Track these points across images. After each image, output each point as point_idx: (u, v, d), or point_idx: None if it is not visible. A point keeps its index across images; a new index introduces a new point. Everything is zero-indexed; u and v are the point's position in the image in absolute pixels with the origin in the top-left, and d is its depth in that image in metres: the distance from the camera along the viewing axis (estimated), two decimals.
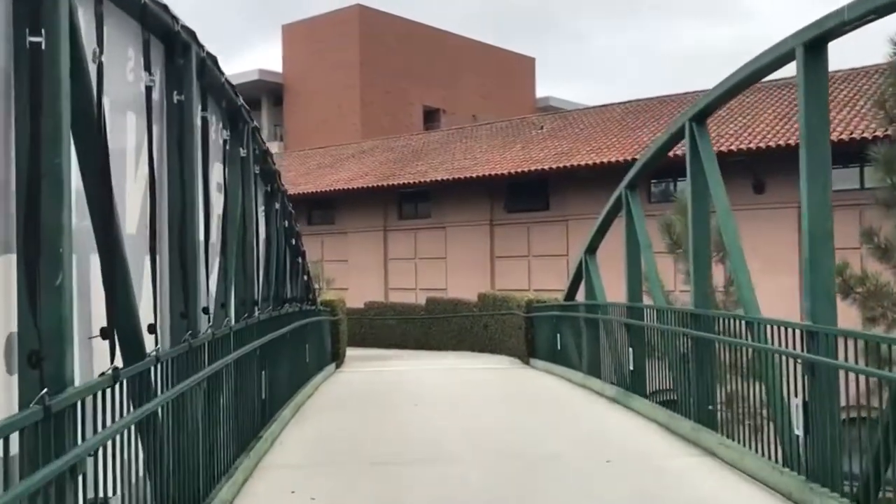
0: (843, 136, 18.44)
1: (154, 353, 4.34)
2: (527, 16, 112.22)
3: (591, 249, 12.99)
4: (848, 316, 8.19)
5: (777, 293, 14.79)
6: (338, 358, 16.19)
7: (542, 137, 27.91)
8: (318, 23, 50.44)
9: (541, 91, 62.30)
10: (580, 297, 14.06)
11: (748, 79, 7.37)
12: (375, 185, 28.86)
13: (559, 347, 14.01)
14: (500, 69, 57.98)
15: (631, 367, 9.55)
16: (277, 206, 9.88)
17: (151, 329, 4.53)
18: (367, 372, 15.53)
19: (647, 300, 10.26)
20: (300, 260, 12.78)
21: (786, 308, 18.71)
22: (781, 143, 20.32)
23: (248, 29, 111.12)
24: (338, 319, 16.08)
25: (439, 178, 26.98)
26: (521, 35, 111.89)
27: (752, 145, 20.87)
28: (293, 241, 11.67)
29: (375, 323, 23.27)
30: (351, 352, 21.10)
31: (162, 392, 4.36)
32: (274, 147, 50.95)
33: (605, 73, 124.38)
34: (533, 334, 16.85)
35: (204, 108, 5.97)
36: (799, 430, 5.54)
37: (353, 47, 49.68)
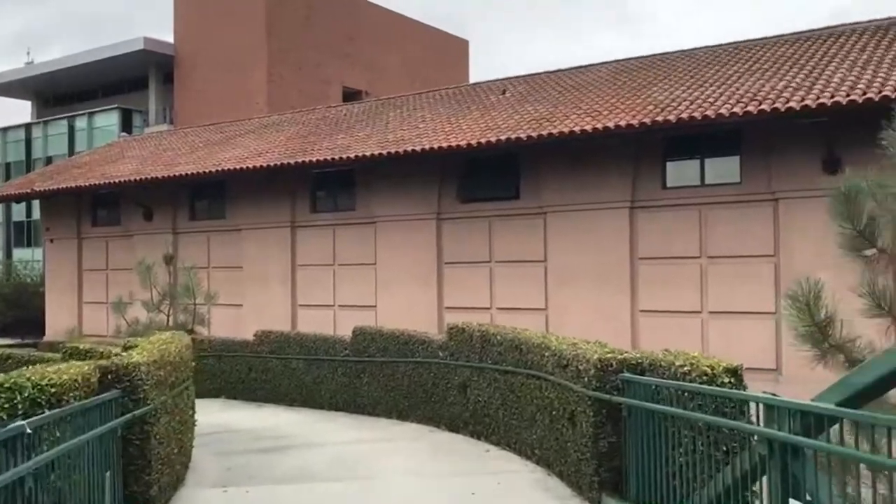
0: None
1: None
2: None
3: None
4: None
5: None
6: None
7: (506, 103, 20.70)
8: None
9: (474, 76, 55.52)
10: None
11: None
12: (280, 162, 21.00)
13: None
14: (429, 50, 51.12)
15: None
16: None
17: None
18: None
19: None
20: None
21: None
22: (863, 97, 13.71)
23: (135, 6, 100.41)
24: (144, 413, 6.38)
25: (367, 154, 19.40)
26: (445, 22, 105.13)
27: (825, 101, 14.10)
28: None
29: (271, 365, 14.84)
30: (223, 416, 13.27)
31: None
32: (162, 129, 42.43)
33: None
34: (623, 444, 7.13)
35: None
36: None
37: (258, 13, 41.72)
